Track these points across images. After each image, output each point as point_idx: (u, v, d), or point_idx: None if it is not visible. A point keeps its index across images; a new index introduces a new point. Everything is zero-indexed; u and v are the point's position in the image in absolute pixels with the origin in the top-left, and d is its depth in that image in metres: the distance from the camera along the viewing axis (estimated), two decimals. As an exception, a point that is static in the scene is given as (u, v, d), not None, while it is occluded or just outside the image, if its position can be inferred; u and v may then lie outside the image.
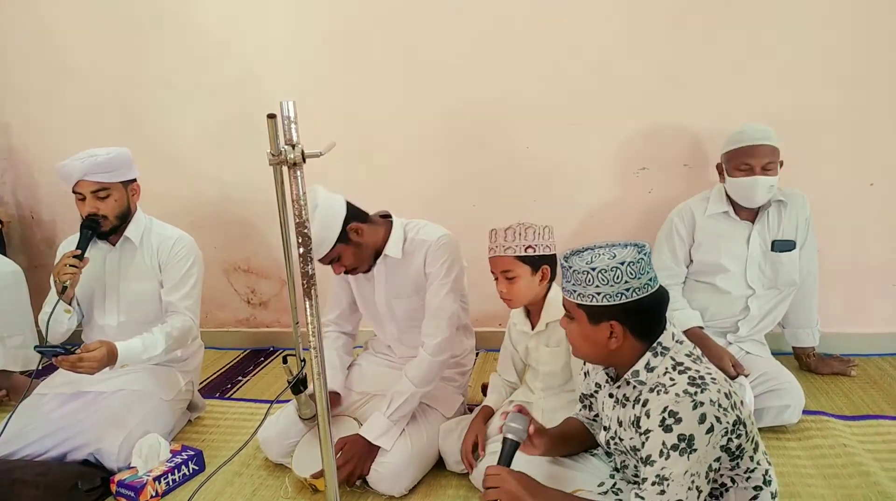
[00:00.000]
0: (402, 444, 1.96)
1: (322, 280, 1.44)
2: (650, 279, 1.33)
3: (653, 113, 2.69)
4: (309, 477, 1.94)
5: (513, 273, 1.83)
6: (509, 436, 1.50)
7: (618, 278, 1.30)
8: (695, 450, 1.22)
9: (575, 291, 1.35)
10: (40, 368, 2.13)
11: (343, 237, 1.96)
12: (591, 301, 1.33)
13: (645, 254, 1.34)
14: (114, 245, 2.33)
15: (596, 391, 1.57)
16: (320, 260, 1.98)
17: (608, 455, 1.61)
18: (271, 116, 1.17)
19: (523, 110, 2.79)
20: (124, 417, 2.16)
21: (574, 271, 1.34)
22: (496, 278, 1.88)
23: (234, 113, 3.05)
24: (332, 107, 2.89)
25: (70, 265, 2.13)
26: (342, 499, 1.90)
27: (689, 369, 1.31)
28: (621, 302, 1.31)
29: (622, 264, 1.30)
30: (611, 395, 1.46)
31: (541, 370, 1.96)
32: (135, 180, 2.32)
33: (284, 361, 1.48)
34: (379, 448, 1.95)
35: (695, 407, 1.23)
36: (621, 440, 1.43)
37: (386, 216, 2.14)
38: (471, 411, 2.22)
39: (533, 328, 1.95)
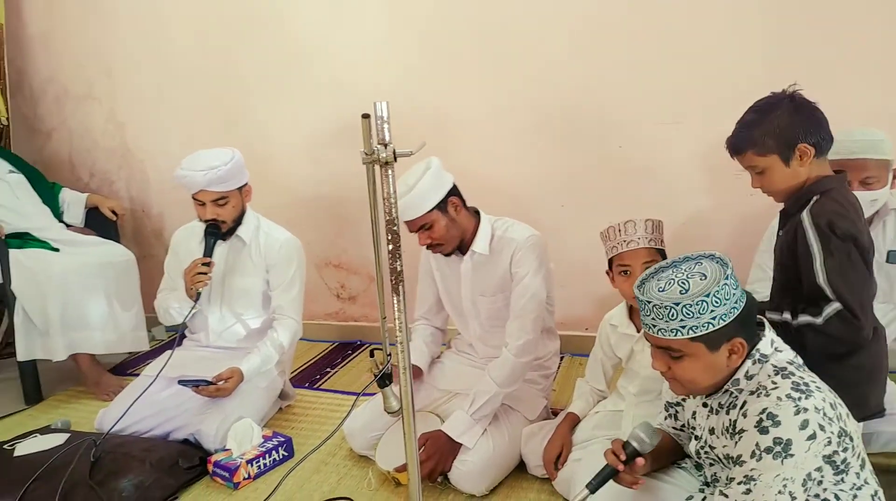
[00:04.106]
0: (484, 444, 1.96)
1: (409, 278, 1.45)
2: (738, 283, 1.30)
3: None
4: (392, 471, 1.98)
5: (654, 264, 1.77)
6: (633, 444, 1.41)
7: (727, 294, 1.25)
8: (791, 455, 1.17)
9: (685, 326, 1.26)
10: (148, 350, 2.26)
11: (442, 205, 2.00)
12: (708, 329, 1.25)
13: (727, 266, 1.29)
14: (224, 240, 2.46)
15: (683, 400, 1.51)
16: (412, 223, 2.01)
17: (697, 467, 1.55)
18: (366, 117, 1.19)
19: (616, 108, 2.71)
20: (222, 402, 2.29)
21: (683, 305, 1.24)
22: (626, 273, 1.79)
23: (326, 113, 3.14)
24: (421, 106, 2.92)
25: (201, 273, 2.29)
26: (424, 495, 1.92)
27: (794, 374, 1.26)
28: (737, 316, 1.26)
29: (727, 278, 1.25)
30: (705, 404, 1.41)
31: (641, 374, 1.87)
32: (247, 183, 2.44)
33: (371, 354, 1.52)
34: (461, 445, 1.96)
35: (797, 413, 1.18)
36: (712, 448, 1.37)
37: (476, 212, 2.15)
38: (554, 415, 2.19)
39: (638, 330, 1.87)
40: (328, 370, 3.08)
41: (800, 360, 1.34)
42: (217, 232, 2.36)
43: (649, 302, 1.29)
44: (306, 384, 2.90)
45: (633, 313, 1.91)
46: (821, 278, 1.48)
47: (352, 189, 3.16)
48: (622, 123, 2.73)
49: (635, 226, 1.79)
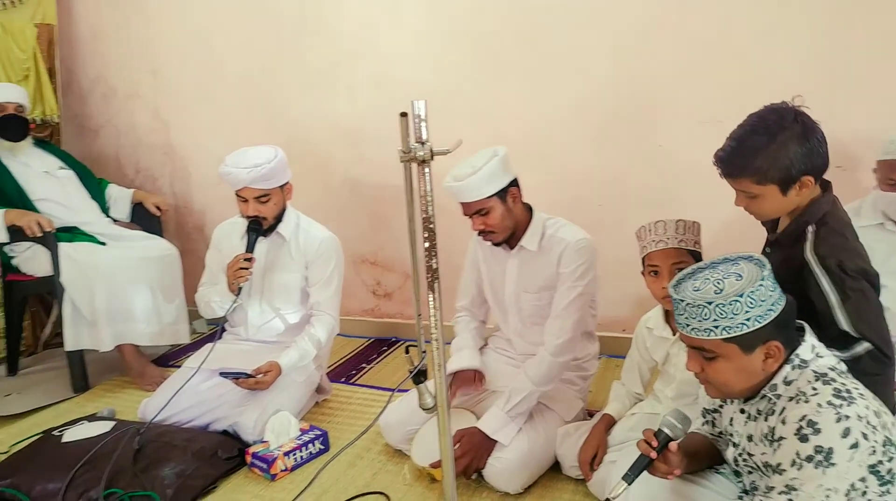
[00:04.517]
0: (519, 442, 1.96)
1: (445, 276, 1.46)
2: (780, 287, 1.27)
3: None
4: (427, 466, 1.99)
5: (684, 265, 1.72)
6: (665, 430, 1.40)
7: (763, 296, 1.22)
8: (833, 465, 1.14)
9: (718, 326, 1.24)
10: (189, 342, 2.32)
11: (502, 194, 1.99)
12: (742, 330, 1.23)
13: (764, 267, 1.26)
14: (265, 237, 2.49)
15: (721, 406, 1.49)
16: (469, 205, 1.99)
17: (737, 474, 1.52)
18: (403, 115, 1.20)
19: (657, 107, 2.67)
20: (261, 394, 2.33)
21: (716, 305, 1.23)
22: (655, 273, 1.77)
23: (365, 111, 3.17)
24: (459, 104, 2.92)
25: (242, 268, 2.34)
26: (458, 491, 1.93)
27: (835, 381, 1.23)
28: (773, 318, 1.23)
29: (763, 279, 1.23)
30: (742, 410, 1.38)
31: (678, 377, 1.85)
32: (288, 181, 2.48)
33: (407, 351, 1.53)
34: (496, 442, 1.96)
35: (838, 420, 1.15)
36: (751, 455, 1.35)
37: (529, 208, 2.15)
38: (590, 416, 2.18)
39: (674, 333, 1.85)
40: (364, 365, 3.12)
41: (843, 366, 1.30)
42: (259, 228, 2.40)
43: (683, 301, 1.27)
44: (342, 379, 2.94)
45: (668, 316, 1.88)
46: (844, 324, 1.42)
47: (388, 187, 3.18)
48: (663, 122, 2.69)
49: (665, 226, 1.77)
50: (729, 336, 1.24)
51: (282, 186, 2.44)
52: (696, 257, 1.78)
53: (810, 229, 1.48)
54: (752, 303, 1.22)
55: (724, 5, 2.49)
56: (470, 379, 2.16)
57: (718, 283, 1.26)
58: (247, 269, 2.35)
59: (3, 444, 2.42)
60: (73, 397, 2.88)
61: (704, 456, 1.55)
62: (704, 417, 1.57)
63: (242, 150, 2.38)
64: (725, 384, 1.31)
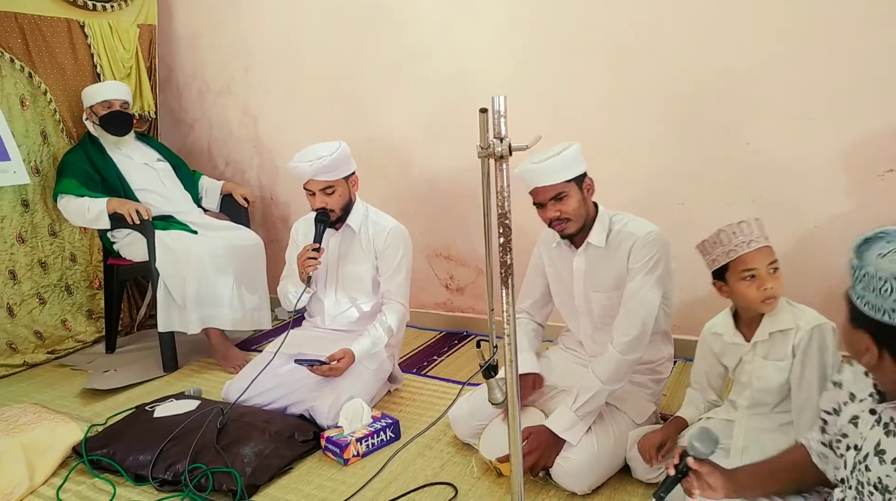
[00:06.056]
0: (587, 442, 1.94)
1: (518, 273, 1.46)
2: None
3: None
4: (494, 461, 2.00)
5: (778, 263, 1.68)
6: (689, 451, 1.44)
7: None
8: None
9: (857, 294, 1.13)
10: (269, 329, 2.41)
11: (580, 180, 1.99)
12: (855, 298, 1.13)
13: None
14: (336, 230, 2.59)
15: (846, 402, 1.32)
16: (548, 189, 1.95)
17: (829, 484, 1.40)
18: (483, 111, 1.21)
19: (744, 101, 2.56)
20: (335, 381, 2.41)
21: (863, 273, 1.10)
22: (751, 277, 1.67)
23: (443, 106, 3.19)
24: (537, 99, 2.90)
25: (311, 258, 2.43)
26: (525, 488, 1.93)
27: None
28: (882, 320, 1.08)
29: None
30: (873, 411, 1.23)
31: (754, 386, 1.76)
32: (353, 173, 2.55)
33: (478, 345, 1.54)
34: (564, 441, 1.94)
35: None
36: (868, 469, 1.19)
37: (594, 204, 2.11)
38: (663, 420, 2.12)
39: (747, 339, 1.77)
40: (435, 358, 3.16)
41: None
42: (326, 219, 2.48)
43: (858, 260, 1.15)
44: (414, 370, 2.99)
45: (739, 320, 1.80)
46: None
47: (463, 183, 3.20)
48: (750, 118, 2.57)
49: (750, 225, 1.69)
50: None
51: (346, 178, 2.49)
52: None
53: None
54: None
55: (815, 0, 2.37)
56: (530, 384, 2.13)
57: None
58: (315, 258, 2.43)
59: (101, 416, 2.61)
60: (163, 376, 3.06)
61: (790, 480, 1.45)
62: (822, 419, 1.43)
63: (309, 146, 2.47)
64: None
